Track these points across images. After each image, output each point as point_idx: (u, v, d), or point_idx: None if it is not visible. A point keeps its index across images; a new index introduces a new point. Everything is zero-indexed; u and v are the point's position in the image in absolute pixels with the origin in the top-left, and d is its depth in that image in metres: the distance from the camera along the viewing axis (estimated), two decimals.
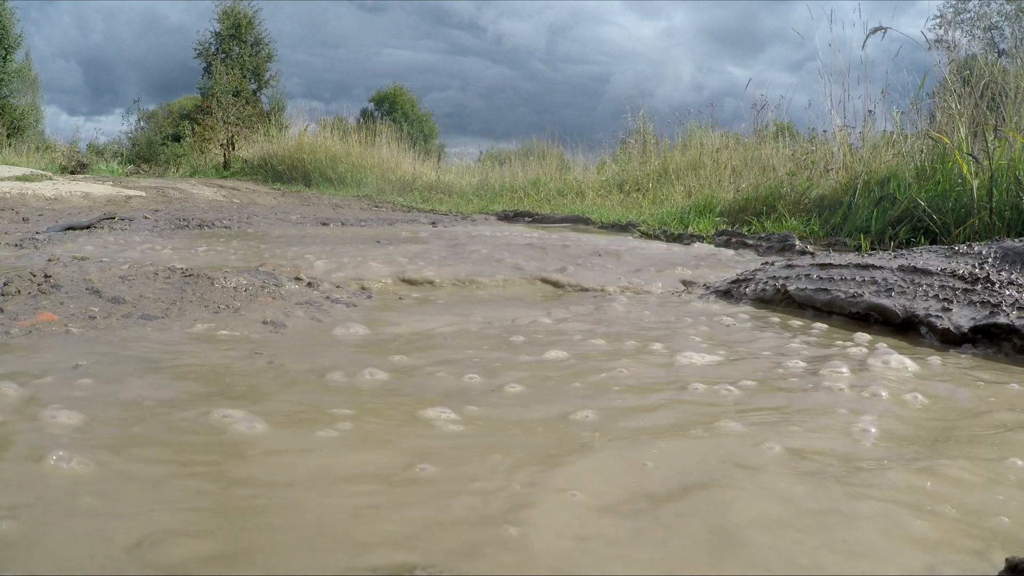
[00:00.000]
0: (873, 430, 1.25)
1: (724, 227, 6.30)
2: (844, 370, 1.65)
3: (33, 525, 0.81)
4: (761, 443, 1.15)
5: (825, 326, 2.28)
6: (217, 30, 24.11)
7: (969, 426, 1.30)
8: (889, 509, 0.92)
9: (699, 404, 1.39)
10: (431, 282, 3.09)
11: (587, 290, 3.03)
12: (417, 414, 1.27)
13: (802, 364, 1.73)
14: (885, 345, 1.97)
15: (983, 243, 2.59)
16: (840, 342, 2.01)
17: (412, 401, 1.36)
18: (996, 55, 8.16)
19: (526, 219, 8.36)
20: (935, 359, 1.83)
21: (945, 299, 2.18)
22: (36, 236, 4.49)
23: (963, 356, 1.90)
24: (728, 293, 2.89)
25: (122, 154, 23.14)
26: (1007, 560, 0.76)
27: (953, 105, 5.23)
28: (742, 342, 2.02)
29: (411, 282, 3.09)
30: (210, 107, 21.78)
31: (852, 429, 1.25)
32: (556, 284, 3.14)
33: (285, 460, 1.05)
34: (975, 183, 4.50)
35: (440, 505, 0.90)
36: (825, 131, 7.30)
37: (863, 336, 2.10)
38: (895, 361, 1.73)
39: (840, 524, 0.87)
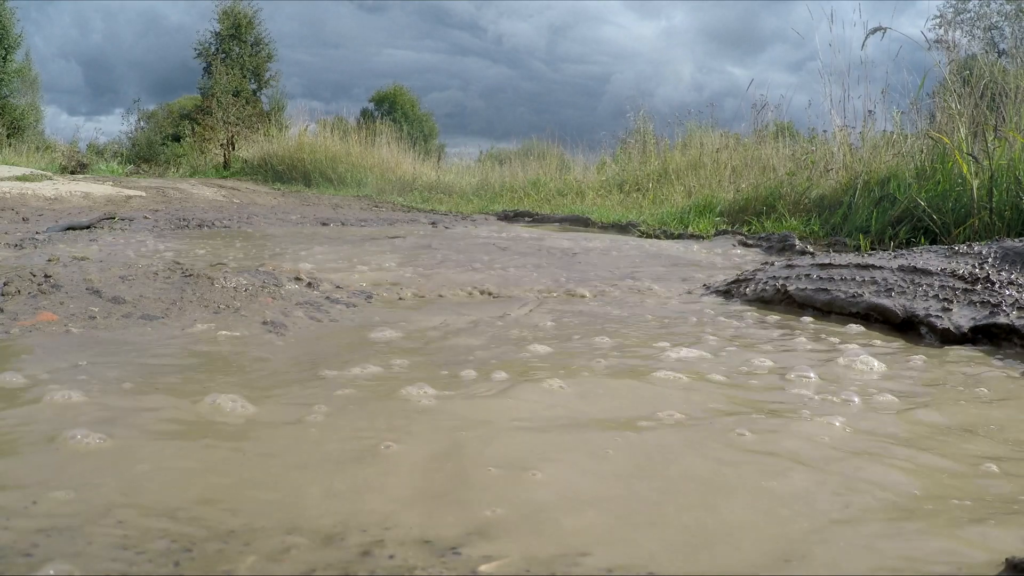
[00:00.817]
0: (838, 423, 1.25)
1: (724, 227, 6.30)
2: (812, 375, 1.66)
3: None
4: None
5: (809, 319, 2.28)
6: (217, 30, 24.10)
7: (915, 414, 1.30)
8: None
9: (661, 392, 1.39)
10: (430, 286, 3.09)
11: (584, 296, 3.03)
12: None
13: (778, 359, 1.73)
14: (863, 340, 1.98)
15: (983, 243, 2.59)
16: (830, 338, 2.01)
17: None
18: (996, 55, 8.15)
19: (526, 219, 8.36)
20: (918, 358, 1.83)
21: (945, 299, 2.18)
22: (36, 236, 4.49)
23: (951, 354, 1.90)
24: (728, 293, 2.89)
25: (122, 154, 23.12)
26: (1007, 560, 0.76)
27: (953, 105, 5.23)
28: (734, 337, 2.02)
29: (410, 283, 3.09)
30: (210, 107, 21.76)
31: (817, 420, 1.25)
32: (570, 292, 3.15)
33: (274, 435, 1.06)
34: (975, 183, 4.50)
35: None
36: (825, 131, 7.30)
37: (853, 328, 2.11)
38: (864, 355, 1.75)
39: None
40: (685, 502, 0.93)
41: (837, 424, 1.27)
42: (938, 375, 1.70)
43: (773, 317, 2.42)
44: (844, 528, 0.87)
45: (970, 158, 4.61)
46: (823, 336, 2.11)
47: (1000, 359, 1.85)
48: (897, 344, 2.04)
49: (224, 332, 1.96)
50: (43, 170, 13.46)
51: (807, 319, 2.38)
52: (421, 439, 1.15)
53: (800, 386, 1.54)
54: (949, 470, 1.08)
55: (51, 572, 0.71)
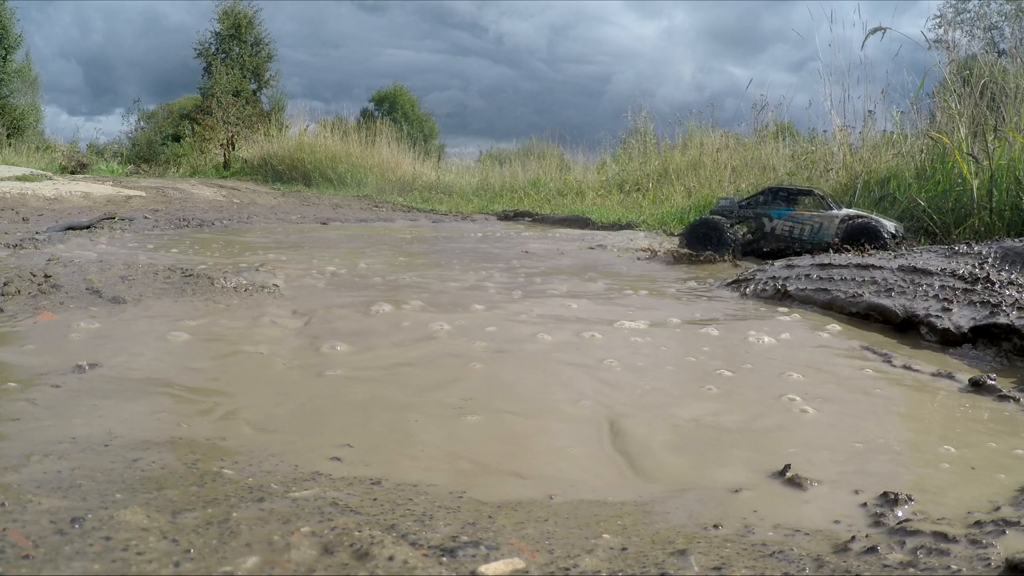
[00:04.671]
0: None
1: None
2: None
3: None
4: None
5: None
6: (217, 30, 24.03)
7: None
8: None
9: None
10: (429, 283, 3.09)
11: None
12: None
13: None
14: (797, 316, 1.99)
15: (983, 243, 2.59)
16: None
17: None
18: (996, 55, 8.13)
19: (526, 219, 8.34)
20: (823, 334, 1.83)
21: (945, 299, 2.18)
22: (36, 236, 4.49)
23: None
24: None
25: (122, 154, 23.06)
26: (1007, 560, 0.76)
27: (953, 105, 5.23)
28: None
29: (408, 283, 3.09)
30: (210, 107, 21.69)
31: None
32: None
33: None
34: (975, 183, 4.50)
35: None
36: (825, 131, 7.31)
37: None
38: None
39: None
40: None
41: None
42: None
43: (761, 309, 2.42)
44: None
45: (970, 158, 4.60)
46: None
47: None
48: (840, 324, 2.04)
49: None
50: (43, 170, 13.43)
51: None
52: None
53: None
54: None
55: None
